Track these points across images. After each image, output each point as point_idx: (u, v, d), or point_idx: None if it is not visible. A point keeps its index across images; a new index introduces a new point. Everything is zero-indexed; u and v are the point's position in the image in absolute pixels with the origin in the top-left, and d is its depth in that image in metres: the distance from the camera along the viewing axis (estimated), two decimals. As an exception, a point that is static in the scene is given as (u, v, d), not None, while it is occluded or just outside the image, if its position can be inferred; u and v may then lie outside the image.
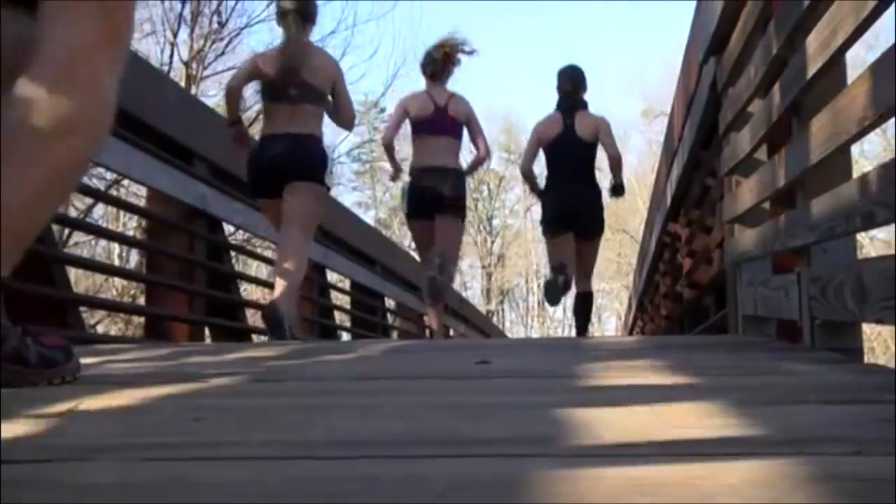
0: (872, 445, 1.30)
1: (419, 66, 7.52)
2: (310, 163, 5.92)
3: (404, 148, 7.81)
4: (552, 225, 8.15)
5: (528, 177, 8.41)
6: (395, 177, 7.73)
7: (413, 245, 8.31)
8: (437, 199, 7.14)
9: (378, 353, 3.72)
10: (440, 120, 7.22)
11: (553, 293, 8.04)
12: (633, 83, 74.18)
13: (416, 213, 7.35)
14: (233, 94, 6.11)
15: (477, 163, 7.73)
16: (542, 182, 8.47)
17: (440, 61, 7.34)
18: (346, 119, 6.23)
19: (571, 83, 8.10)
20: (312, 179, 5.89)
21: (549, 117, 8.11)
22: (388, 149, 7.61)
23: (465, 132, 7.42)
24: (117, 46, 2.27)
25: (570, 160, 7.93)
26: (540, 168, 8.39)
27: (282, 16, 6.04)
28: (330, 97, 6.02)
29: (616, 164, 8.24)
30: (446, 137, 7.24)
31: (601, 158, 8.35)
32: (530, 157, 8.23)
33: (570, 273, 8.05)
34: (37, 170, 1.99)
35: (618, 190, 8.35)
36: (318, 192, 5.94)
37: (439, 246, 7.14)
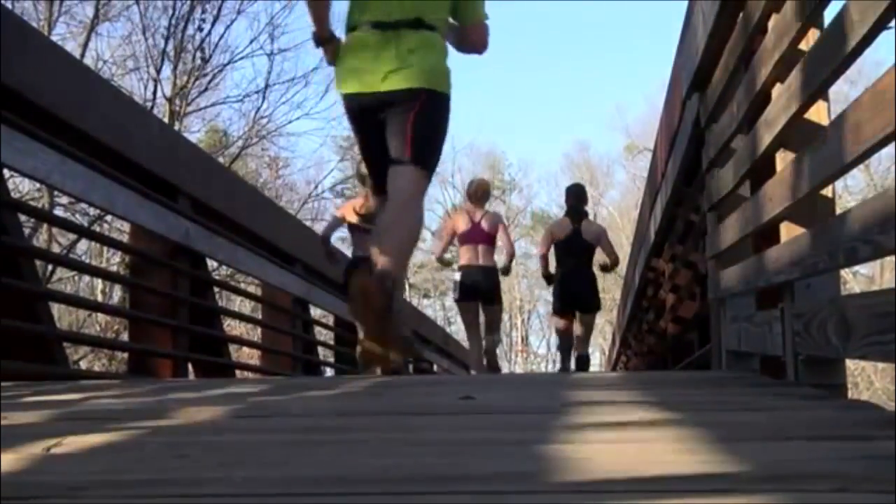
0: (857, 482, 1.30)
1: (465, 191, 10.64)
2: None
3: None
4: (562, 306, 10.60)
5: (545, 262, 10.77)
6: (446, 264, 11.47)
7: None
8: (479, 290, 9.79)
9: (362, 389, 3.70)
10: (477, 232, 9.84)
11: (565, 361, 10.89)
12: (617, 119, 74.63)
13: (464, 299, 9.92)
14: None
15: (508, 261, 10.45)
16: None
17: (478, 195, 10.11)
18: None
19: (575, 198, 10.66)
20: None
21: (560, 222, 10.81)
22: (440, 261, 11.10)
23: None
24: (424, 190, 4.89)
25: (576, 256, 10.38)
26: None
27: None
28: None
29: (615, 263, 10.79)
30: (483, 245, 9.87)
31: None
32: (545, 249, 10.74)
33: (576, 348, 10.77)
34: (406, 252, 4.73)
35: (605, 268, 11.02)
36: None
37: (486, 321, 9.98)
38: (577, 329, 10.69)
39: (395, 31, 4.75)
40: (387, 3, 4.78)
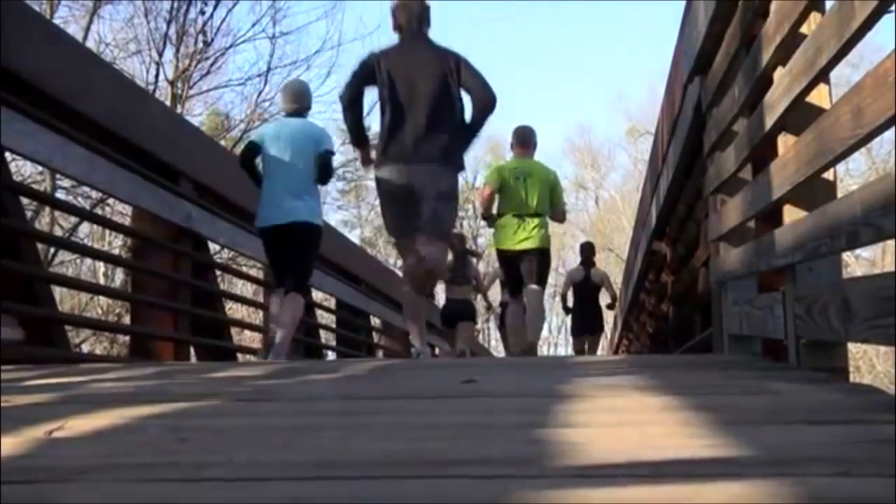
0: (861, 466, 1.29)
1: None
2: None
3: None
4: (577, 331, 13.65)
5: (565, 299, 13.88)
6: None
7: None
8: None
9: (364, 373, 3.71)
10: None
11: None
12: (619, 102, 74.49)
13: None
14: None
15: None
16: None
17: None
18: None
19: (588, 252, 13.82)
20: None
21: (576, 270, 13.77)
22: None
23: None
24: (542, 299, 8.32)
25: (587, 294, 13.36)
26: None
27: None
28: None
29: (615, 301, 14.86)
30: None
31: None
32: (566, 288, 13.83)
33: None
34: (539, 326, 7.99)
35: (611, 307, 14.79)
36: None
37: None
38: (587, 345, 13.75)
39: (527, 217, 8.06)
40: (521, 204, 8.05)
